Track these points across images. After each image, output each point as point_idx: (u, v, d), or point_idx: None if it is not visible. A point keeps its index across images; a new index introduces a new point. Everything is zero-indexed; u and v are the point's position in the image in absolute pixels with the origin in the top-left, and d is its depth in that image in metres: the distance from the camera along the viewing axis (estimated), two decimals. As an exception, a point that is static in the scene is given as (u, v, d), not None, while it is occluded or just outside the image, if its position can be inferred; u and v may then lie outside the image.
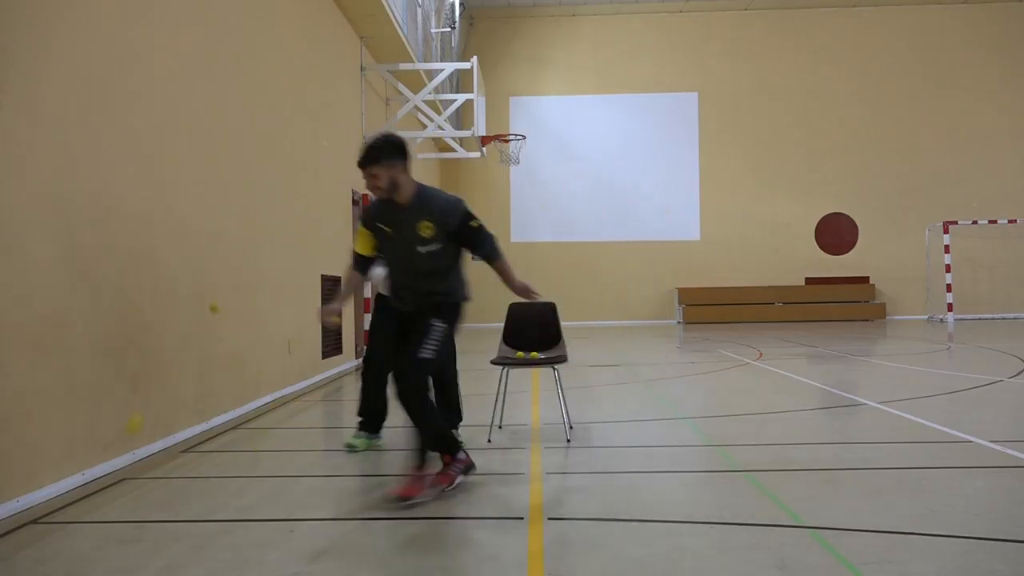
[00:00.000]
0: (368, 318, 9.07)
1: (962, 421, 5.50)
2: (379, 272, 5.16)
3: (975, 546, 2.98)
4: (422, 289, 3.99)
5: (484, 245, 3.99)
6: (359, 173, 3.90)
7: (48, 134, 3.93)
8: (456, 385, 5.21)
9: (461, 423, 5.18)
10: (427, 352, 3.83)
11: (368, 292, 9.49)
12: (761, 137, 20.70)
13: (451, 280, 4.03)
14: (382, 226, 3.94)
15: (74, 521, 3.55)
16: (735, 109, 20.72)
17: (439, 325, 3.92)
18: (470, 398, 6.39)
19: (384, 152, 3.80)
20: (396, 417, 6.51)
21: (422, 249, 3.88)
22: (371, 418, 5.08)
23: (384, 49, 11.91)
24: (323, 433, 6.17)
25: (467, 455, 4.01)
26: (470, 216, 3.94)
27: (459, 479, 3.91)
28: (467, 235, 3.95)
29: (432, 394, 3.91)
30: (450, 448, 3.93)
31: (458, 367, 5.26)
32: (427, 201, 3.88)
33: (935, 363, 9.81)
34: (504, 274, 4.06)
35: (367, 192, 4.61)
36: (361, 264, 4.11)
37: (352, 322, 10.44)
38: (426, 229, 3.85)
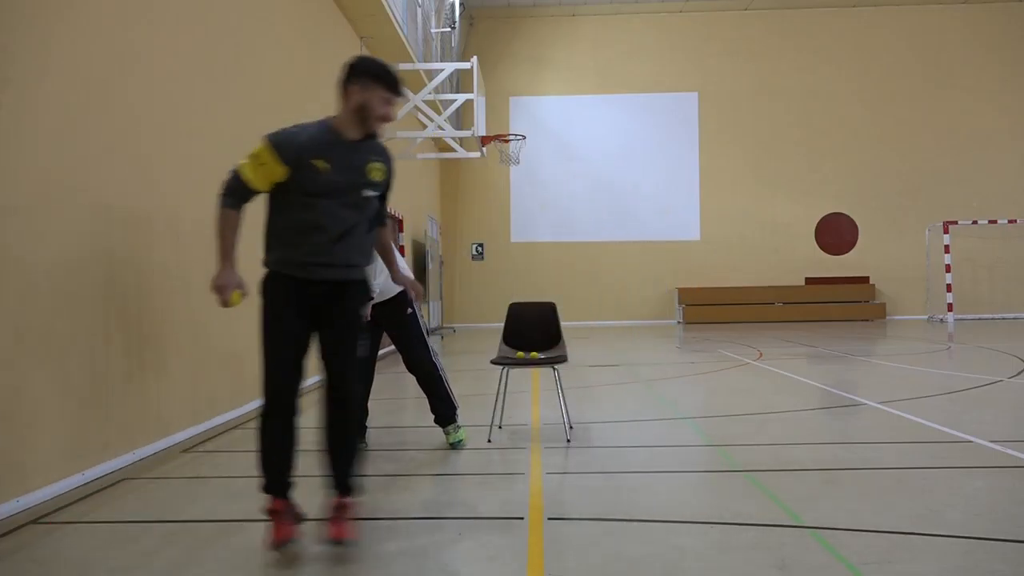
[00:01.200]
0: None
1: (962, 421, 5.50)
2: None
3: (975, 546, 2.98)
4: (342, 253, 3.11)
5: (383, 209, 3.35)
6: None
7: (48, 134, 3.93)
8: (438, 376, 5.01)
9: (458, 410, 5.07)
10: (363, 350, 3.26)
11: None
12: (761, 137, 20.70)
13: (366, 247, 3.25)
14: (315, 162, 3.01)
15: (74, 521, 3.55)
16: (735, 109, 20.72)
17: (358, 315, 3.23)
18: (470, 398, 6.38)
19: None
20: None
21: (369, 192, 3.14)
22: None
23: (384, 49, 11.89)
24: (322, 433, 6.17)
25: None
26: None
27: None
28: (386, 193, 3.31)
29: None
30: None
31: (433, 355, 5.06)
32: (375, 138, 3.22)
33: (935, 363, 9.81)
34: (389, 255, 3.58)
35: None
36: (243, 202, 3.07)
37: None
38: (377, 172, 3.15)
